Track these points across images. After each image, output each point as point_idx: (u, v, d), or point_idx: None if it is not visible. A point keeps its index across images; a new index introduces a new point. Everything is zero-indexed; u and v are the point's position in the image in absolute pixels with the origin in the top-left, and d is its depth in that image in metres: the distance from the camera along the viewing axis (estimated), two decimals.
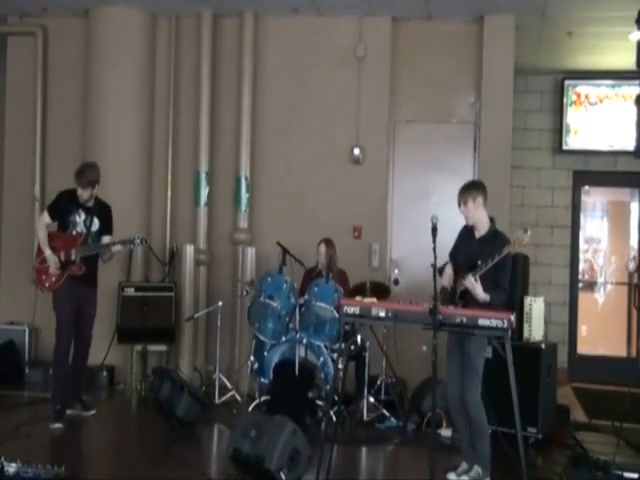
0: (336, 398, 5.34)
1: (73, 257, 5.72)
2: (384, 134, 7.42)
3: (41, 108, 7.78)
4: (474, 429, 4.64)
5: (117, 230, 6.09)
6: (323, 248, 6.52)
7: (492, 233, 4.69)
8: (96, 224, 5.89)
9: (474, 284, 4.43)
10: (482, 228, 4.70)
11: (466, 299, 4.56)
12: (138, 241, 5.98)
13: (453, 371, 4.71)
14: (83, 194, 5.79)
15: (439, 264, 4.36)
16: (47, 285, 5.78)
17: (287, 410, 4.87)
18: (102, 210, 5.96)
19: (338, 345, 5.53)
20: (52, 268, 5.72)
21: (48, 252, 5.73)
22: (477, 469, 4.66)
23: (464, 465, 4.75)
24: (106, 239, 5.96)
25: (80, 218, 5.83)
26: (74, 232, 5.81)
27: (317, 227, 7.02)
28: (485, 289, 4.44)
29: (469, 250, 4.69)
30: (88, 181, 5.77)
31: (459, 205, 4.70)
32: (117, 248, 5.90)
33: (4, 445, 4.85)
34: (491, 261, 4.40)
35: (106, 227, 5.96)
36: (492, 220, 4.73)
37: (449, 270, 4.77)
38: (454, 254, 4.83)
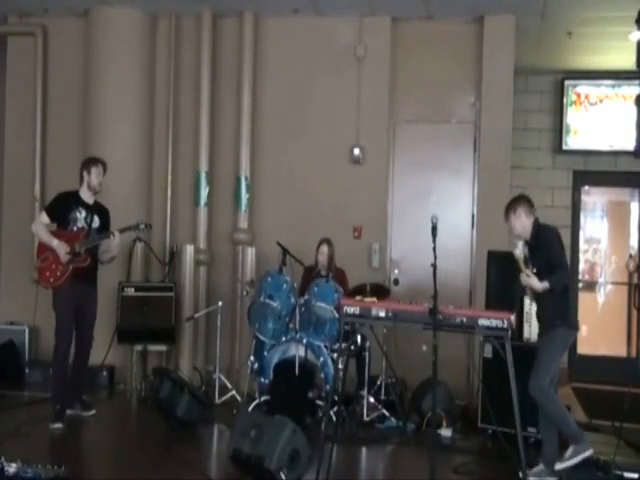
0: (336, 398, 5.34)
1: (77, 250, 5.70)
2: (384, 134, 7.42)
3: (41, 108, 7.77)
4: (549, 416, 4.66)
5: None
6: (325, 248, 6.52)
7: (535, 234, 4.80)
8: (97, 221, 5.88)
9: (528, 279, 4.58)
10: (528, 236, 4.82)
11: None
12: (142, 226, 6.07)
13: None
14: (97, 179, 5.82)
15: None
16: (52, 281, 5.71)
17: (287, 410, 4.88)
18: (101, 211, 5.96)
19: (338, 345, 5.53)
20: (62, 255, 5.65)
21: (56, 242, 5.67)
22: (570, 449, 4.63)
23: (540, 466, 4.75)
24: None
25: (81, 215, 5.82)
26: (75, 228, 5.79)
27: (317, 227, 7.01)
28: (542, 278, 4.56)
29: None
30: (105, 165, 5.87)
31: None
32: (116, 242, 5.86)
33: (4, 445, 4.87)
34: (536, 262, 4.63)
35: (105, 228, 5.94)
36: (536, 219, 4.86)
37: None
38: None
